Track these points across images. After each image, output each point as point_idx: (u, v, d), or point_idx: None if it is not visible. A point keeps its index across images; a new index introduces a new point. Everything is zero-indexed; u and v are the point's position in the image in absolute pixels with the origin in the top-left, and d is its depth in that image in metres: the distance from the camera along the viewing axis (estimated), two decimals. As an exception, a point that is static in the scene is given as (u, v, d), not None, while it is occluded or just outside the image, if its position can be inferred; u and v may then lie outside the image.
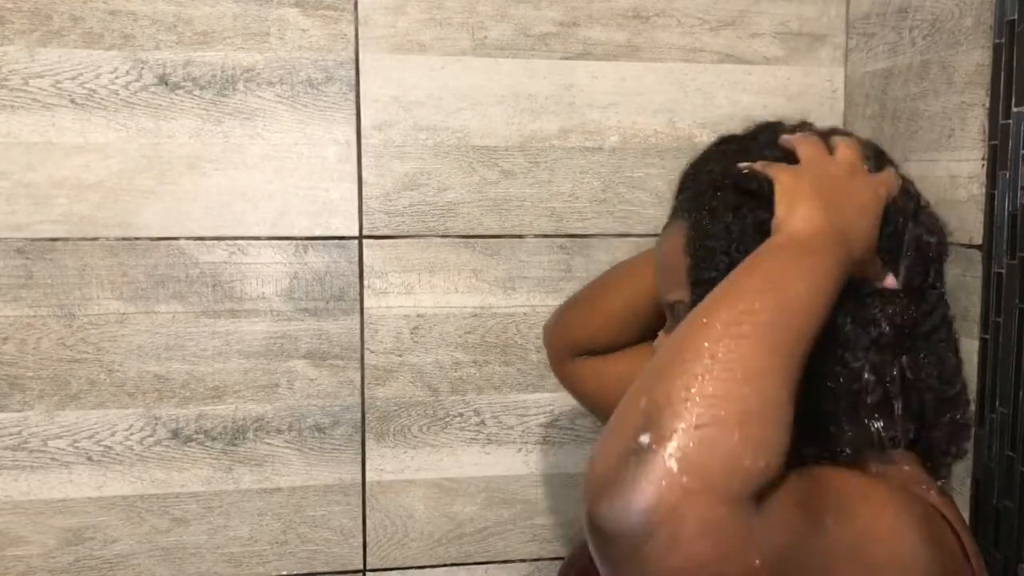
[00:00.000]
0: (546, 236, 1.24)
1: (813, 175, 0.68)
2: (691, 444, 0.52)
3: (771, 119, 0.84)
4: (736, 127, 1.25)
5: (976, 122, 1.00)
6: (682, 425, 0.52)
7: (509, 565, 1.27)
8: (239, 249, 1.18)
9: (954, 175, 1.03)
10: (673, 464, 0.51)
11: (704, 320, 0.57)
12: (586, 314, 0.98)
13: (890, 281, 0.71)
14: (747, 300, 0.58)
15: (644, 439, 0.52)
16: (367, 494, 1.23)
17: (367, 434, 1.22)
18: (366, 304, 1.21)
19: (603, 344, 0.96)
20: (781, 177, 0.68)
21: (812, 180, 0.68)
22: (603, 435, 0.55)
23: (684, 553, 0.50)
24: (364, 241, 1.20)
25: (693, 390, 0.53)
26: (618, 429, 0.54)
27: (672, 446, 0.51)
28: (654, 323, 0.90)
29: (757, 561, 0.51)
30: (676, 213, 0.78)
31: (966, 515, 0.97)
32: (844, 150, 0.72)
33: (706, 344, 0.55)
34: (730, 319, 0.57)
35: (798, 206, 0.66)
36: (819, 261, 0.62)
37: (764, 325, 0.57)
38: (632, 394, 0.56)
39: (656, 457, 0.51)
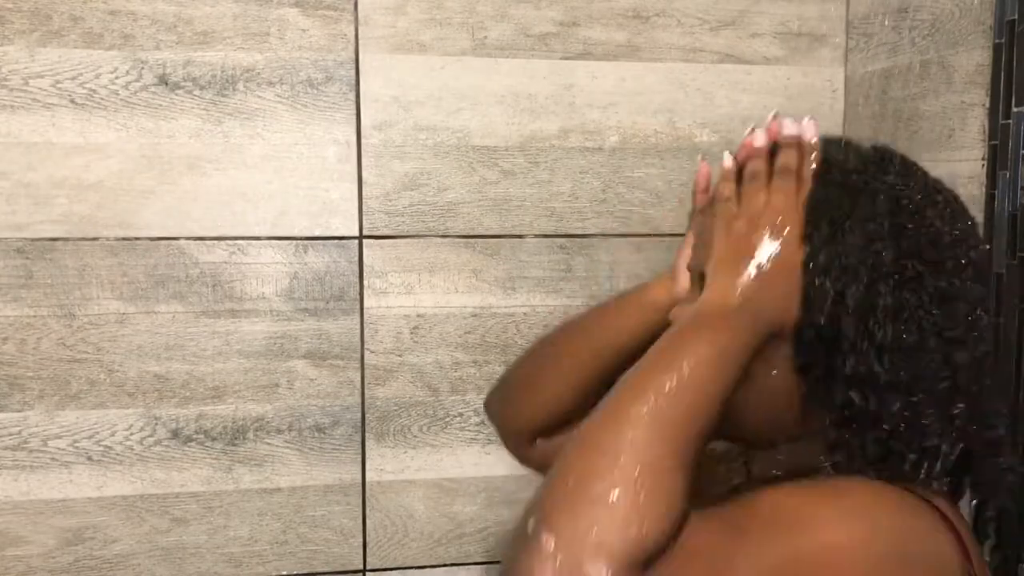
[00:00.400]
0: (546, 236, 1.24)
1: (743, 232, 0.68)
2: (566, 525, 0.56)
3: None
4: (736, 127, 1.26)
5: (976, 122, 1.00)
6: (560, 506, 0.57)
7: (509, 565, 1.27)
8: (239, 249, 1.18)
9: (954, 175, 1.03)
10: (550, 548, 0.55)
11: (611, 399, 0.62)
12: (531, 402, 0.95)
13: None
14: (648, 378, 0.62)
15: (530, 525, 0.57)
16: (367, 494, 1.23)
17: (367, 434, 1.22)
18: (366, 304, 1.21)
19: (559, 422, 0.92)
20: (719, 231, 0.69)
21: (738, 240, 0.67)
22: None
23: None
24: (364, 241, 1.20)
25: (574, 473, 0.59)
26: (522, 515, 0.59)
27: (551, 528, 0.56)
28: (610, 379, 0.87)
29: None
30: None
31: (966, 515, 0.97)
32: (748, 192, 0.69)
33: (604, 425, 0.60)
34: (630, 402, 0.61)
35: (720, 274, 0.67)
36: (719, 338, 0.64)
37: (658, 406, 0.60)
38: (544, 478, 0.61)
39: (536, 542, 0.56)
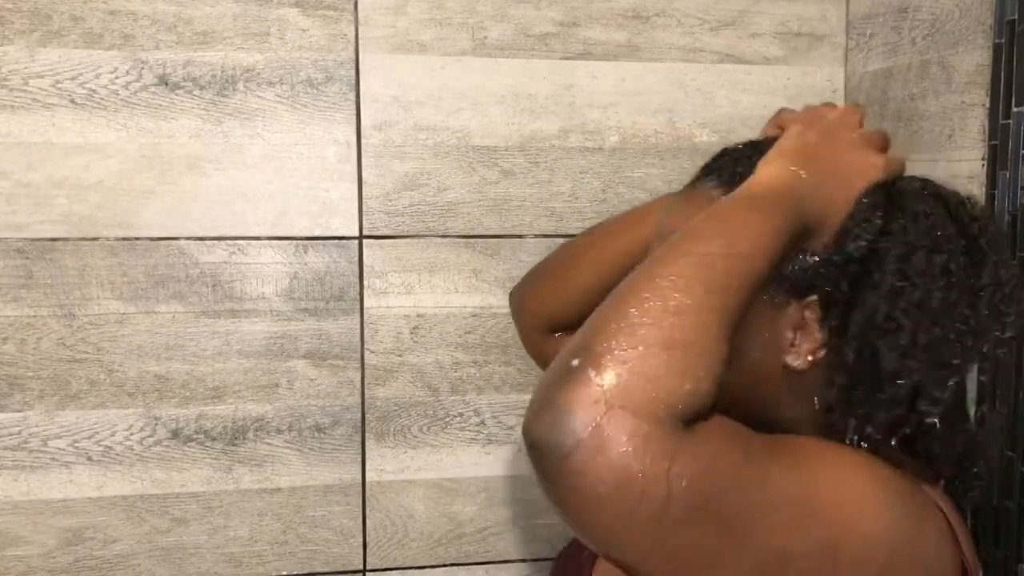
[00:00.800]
0: (546, 236, 1.24)
1: (802, 137, 0.70)
2: (616, 364, 0.54)
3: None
4: (736, 127, 1.26)
5: (976, 122, 1.00)
6: (610, 347, 0.55)
7: (509, 565, 1.27)
8: (239, 249, 1.18)
9: (954, 175, 1.03)
10: (599, 382, 0.53)
11: (652, 260, 0.61)
12: (558, 292, 0.95)
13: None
14: (692, 243, 0.61)
15: (575, 361, 0.55)
16: (367, 494, 1.23)
17: (367, 434, 1.22)
18: (366, 304, 1.21)
19: (583, 316, 0.94)
20: (783, 136, 0.71)
21: (799, 140, 0.69)
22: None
23: (605, 466, 0.52)
24: (364, 241, 1.20)
25: (624, 320, 0.56)
26: (559, 357, 0.57)
27: (599, 366, 0.54)
28: None
29: (683, 483, 0.53)
30: (708, 181, 0.76)
31: (966, 514, 0.97)
32: (846, 116, 0.72)
33: (648, 280, 0.59)
34: (673, 260, 0.60)
35: (771, 162, 0.68)
36: (766, 218, 0.64)
37: (702, 266, 0.59)
38: (580, 328, 0.59)
39: (583, 375, 0.54)
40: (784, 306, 0.68)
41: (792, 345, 0.69)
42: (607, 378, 0.53)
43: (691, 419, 0.55)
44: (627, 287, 0.59)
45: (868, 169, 0.70)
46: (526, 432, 0.55)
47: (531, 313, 0.98)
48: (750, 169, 0.70)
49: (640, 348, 0.55)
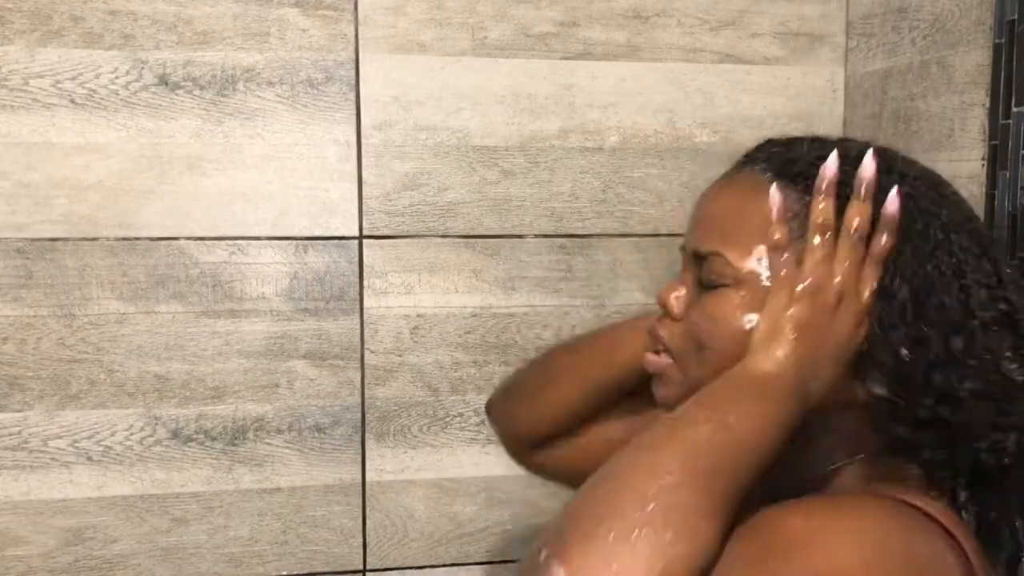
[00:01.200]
0: (546, 236, 1.24)
1: (805, 305, 0.66)
2: (581, 560, 0.54)
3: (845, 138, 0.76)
4: (736, 127, 1.26)
5: (976, 122, 1.00)
6: (577, 538, 0.55)
7: (509, 565, 1.27)
8: (239, 249, 1.18)
9: (954, 175, 1.03)
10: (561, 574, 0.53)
11: (636, 443, 0.61)
12: (540, 409, 0.93)
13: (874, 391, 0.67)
14: (674, 427, 0.61)
15: (544, 554, 0.55)
16: (367, 494, 1.23)
17: (367, 434, 1.22)
18: (366, 304, 1.21)
19: (567, 429, 0.91)
20: (777, 292, 0.67)
21: (799, 314, 0.65)
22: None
23: None
24: (364, 241, 1.20)
25: (594, 508, 0.57)
26: (532, 546, 0.57)
27: (566, 559, 0.54)
28: (628, 389, 0.89)
29: None
30: (755, 166, 0.73)
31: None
32: (844, 255, 0.66)
33: (626, 466, 0.59)
34: (659, 444, 0.60)
35: (775, 345, 0.65)
36: (773, 408, 0.63)
37: (690, 452, 0.59)
38: (559, 513, 0.59)
39: (548, 571, 0.54)
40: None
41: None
42: (571, 573, 0.53)
43: None
44: (603, 472, 0.59)
45: (858, 321, 0.66)
46: None
47: (509, 429, 0.97)
48: (806, 164, 0.69)
49: (609, 538, 0.54)
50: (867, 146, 0.69)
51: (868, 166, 0.66)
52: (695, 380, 0.70)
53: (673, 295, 0.75)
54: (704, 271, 0.72)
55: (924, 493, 0.67)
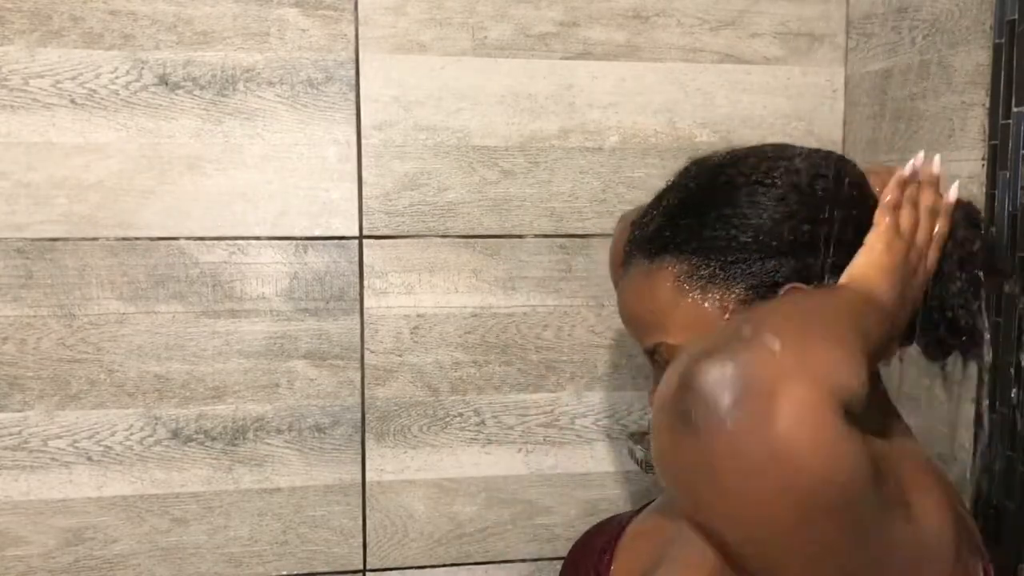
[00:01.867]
0: (546, 236, 1.24)
1: (903, 247, 0.70)
2: (796, 340, 0.53)
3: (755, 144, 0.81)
4: (736, 127, 1.26)
5: (976, 122, 1.00)
6: (788, 325, 0.55)
7: (509, 565, 1.27)
8: (239, 249, 1.18)
9: (954, 175, 1.03)
10: (776, 349, 0.51)
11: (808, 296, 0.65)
12: None
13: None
14: (838, 299, 0.64)
15: (746, 329, 0.53)
16: (367, 494, 1.23)
17: (367, 434, 1.22)
18: (366, 304, 1.21)
19: None
20: (883, 231, 0.70)
21: (901, 253, 0.70)
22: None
23: (773, 434, 0.49)
24: (364, 241, 1.20)
25: (796, 316, 0.58)
26: (721, 329, 0.59)
27: (779, 335, 0.52)
28: None
29: (842, 475, 0.50)
30: (653, 251, 0.76)
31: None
32: (927, 223, 0.73)
33: (806, 306, 0.62)
34: (824, 300, 0.63)
35: (883, 278, 0.69)
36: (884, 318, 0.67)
37: (856, 314, 0.62)
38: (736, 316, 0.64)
39: (760, 339, 0.52)
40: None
41: None
42: (786, 350, 0.52)
43: (851, 413, 0.53)
44: (786, 304, 0.63)
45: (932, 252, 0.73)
46: (691, 376, 0.52)
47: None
48: (662, 232, 0.75)
49: (817, 336, 0.55)
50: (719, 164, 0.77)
51: (936, 163, 0.76)
52: None
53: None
54: (661, 361, 0.76)
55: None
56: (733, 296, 0.70)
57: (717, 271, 0.72)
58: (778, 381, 0.50)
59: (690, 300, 0.72)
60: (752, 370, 0.51)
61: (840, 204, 0.72)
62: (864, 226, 0.72)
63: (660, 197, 0.79)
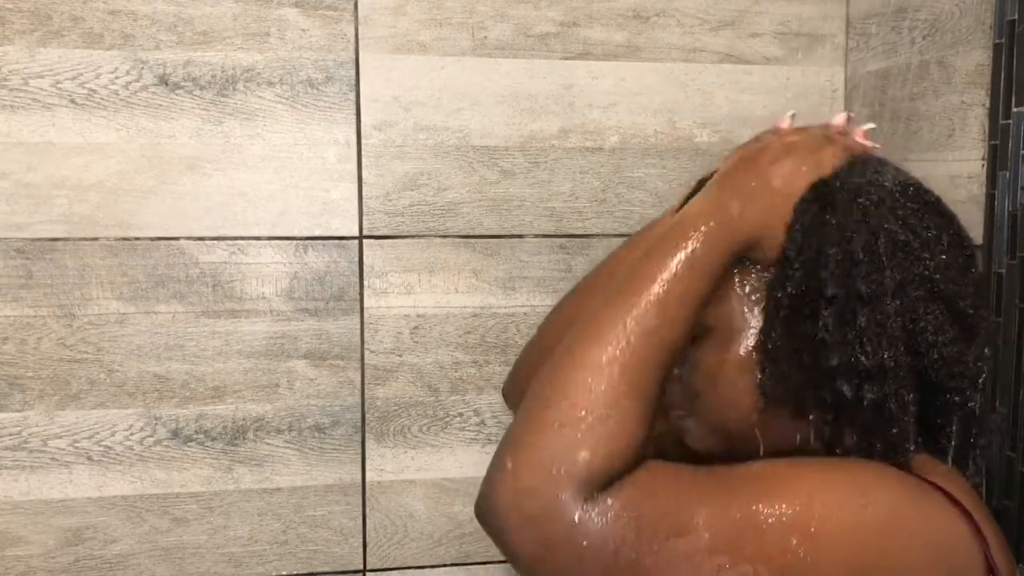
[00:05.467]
0: (546, 236, 1.24)
1: (732, 159, 0.72)
2: (523, 450, 0.62)
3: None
4: (736, 127, 1.26)
5: (976, 122, 1.00)
6: (519, 434, 0.63)
7: (509, 565, 1.27)
8: (239, 249, 1.18)
9: (954, 175, 1.03)
10: (510, 467, 0.61)
11: (566, 338, 0.66)
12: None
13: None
14: (600, 319, 0.65)
15: (498, 452, 0.64)
16: (367, 494, 1.23)
17: (367, 434, 1.22)
18: (366, 304, 1.21)
19: None
20: (735, 153, 0.73)
21: (728, 164, 0.71)
22: None
23: (529, 538, 0.60)
24: (364, 241, 1.20)
25: (533, 405, 0.64)
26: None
27: (511, 453, 0.62)
28: None
29: (584, 543, 0.59)
30: None
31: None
32: (781, 125, 0.75)
33: (554, 362, 0.65)
34: (579, 337, 0.65)
35: (711, 186, 0.70)
36: (684, 243, 0.66)
37: (609, 347, 0.63)
38: None
39: (500, 464, 0.62)
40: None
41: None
42: (516, 464, 0.61)
43: (606, 481, 0.60)
44: (544, 369, 0.65)
45: (802, 173, 0.69)
46: (476, 513, 0.65)
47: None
48: None
49: (541, 432, 0.61)
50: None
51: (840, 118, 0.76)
52: (710, 425, 0.73)
53: None
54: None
55: (936, 472, 0.68)
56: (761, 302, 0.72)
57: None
58: (517, 501, 0.60)
59: (729, 284, 0.73)
60: (499, 501, 0.62)
61: None
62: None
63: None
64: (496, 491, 0.62)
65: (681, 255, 0.65)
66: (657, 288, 0.65)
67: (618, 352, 0.62)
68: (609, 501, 0.59)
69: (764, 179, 0.69)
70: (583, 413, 0.61)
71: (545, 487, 0.60)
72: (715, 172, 0.74)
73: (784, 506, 0.60)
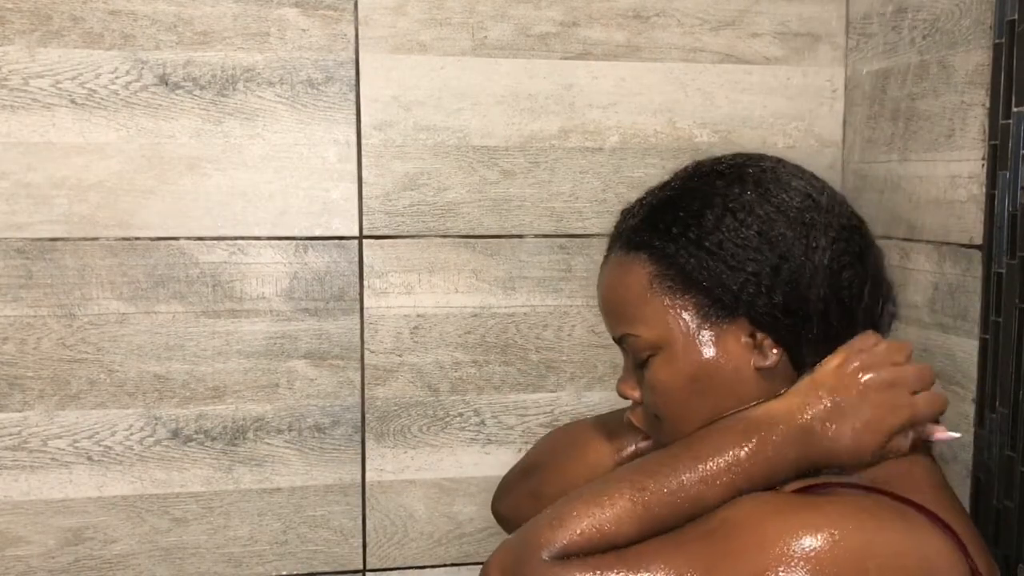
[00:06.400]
0: (546, 236, 1.24)
1: (840, 367, 0.72)
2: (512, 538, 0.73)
3: (747, 152, 0.85)
4: (736, 127, 1.26)
5: (976, 122, 1.00)
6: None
7: (509, 565, 1.27)
8: (239, 249, 1.18)
9: (954, 175, 1.03)
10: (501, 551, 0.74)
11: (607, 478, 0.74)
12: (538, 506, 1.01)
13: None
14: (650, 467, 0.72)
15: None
16: (367, 494, 1.23)
17: (367, 434, 1.22)
18: (366, 304, 1.21)
19: None
20: (823, 363, 0.74)
21: (836, 369, 0.72)
22: None
23: None
24: (364, 241, 1.20)
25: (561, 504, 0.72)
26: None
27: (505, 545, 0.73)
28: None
29: None
30: (631, 245, 0.80)
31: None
32: (891, 351, 0.73)
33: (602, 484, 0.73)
34: (617, 480, 0.72)
35: (798, 391, 0.72)
36: (759, 445, 0.69)
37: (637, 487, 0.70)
38: None
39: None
40: (728, 326, 0.75)
41: (755, 349, 0.75)
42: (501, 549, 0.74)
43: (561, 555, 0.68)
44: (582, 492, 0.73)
45: (901, 412, 0.71)
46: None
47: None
48: (640, 230, 0.81)
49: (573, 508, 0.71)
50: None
51: (945, 436, 0.75)
52: (677, 429, 0.78)
53: (623, 384, 0.83)
54: (630, 352, 0.80)
55: (920, 482, 0.69)
56: (690, 308, 0.74)
57: (678, 283, 0.75)
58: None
59: (658, 301, 0.74)
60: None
61: (824, 268, 0.74)
62: (844, 302, 0.75)
63: (650, 192, 0.81)
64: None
65: (749, 457, 0.70)
66: (704, 475, 0.71)
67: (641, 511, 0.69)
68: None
69: (868, 402, 0.72)
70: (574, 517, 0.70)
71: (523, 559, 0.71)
72: None
73: (745, 557, 0.63)
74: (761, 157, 0.81)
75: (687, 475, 0.67)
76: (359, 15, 1.18)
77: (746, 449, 0.68)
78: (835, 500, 0.66)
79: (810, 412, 0.69)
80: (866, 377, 0.70)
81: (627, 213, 0.83)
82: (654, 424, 0.80)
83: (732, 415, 0.72)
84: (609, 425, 0.95)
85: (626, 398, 0.83)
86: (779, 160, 0.80)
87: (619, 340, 0.81)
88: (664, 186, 0.82)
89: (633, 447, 0.90)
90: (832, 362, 0.72)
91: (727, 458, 0.67)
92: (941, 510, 0.67)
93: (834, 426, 0.68)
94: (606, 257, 0.83)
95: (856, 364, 0.71)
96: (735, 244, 0.73)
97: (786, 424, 0.68)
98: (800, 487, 0.70)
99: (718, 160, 0.81)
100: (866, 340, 0.73)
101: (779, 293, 0.73)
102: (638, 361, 0.79)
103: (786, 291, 0.73)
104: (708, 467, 0.67)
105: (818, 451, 0.69)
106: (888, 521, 0.64)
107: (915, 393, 0.71)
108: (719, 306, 0.74)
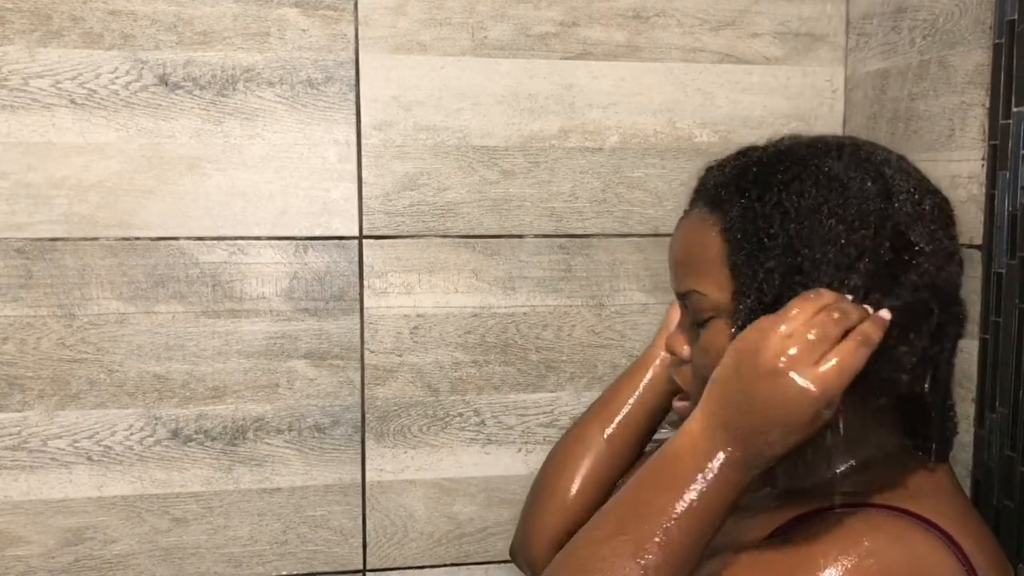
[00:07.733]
0: (546, 236, 1.24)
1: (732, 375, 0.67)
2: None
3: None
4: (736, 127, 1.26)
5: (976, 122, 1.00)
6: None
7: (509, 565, 1.27)
8: (239, 249, 1.18)
9: (954, 175, 1.03)
10: None
11: (594, 520, 0.72)
12: (555, 512, 1.00)
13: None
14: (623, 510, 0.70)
15: None
16: (367, 494, 1.23)
17: (367, 434, 1.22)
18: (366, 304, 1.21)
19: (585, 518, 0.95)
20: (709, 384, 0.70)
21: (726, 383, 0.67)
22: None
23: None
24: (364, 241, 1.20)
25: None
26: None
27: None
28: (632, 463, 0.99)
29: None
30: (715, 203, 0.76)
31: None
32: (791, 325, 0.65)
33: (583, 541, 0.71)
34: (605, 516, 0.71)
35: (700, 409, 0.69)
36: (704, 471, 0.66)
37: (632, 540, 0.67)
38: None
39: None
40: None
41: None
42: None
43: None
44: (569, 547, 0.73)
45: (799, 400, 0.64)
46: None
47: (538, 545, 1.02)
48: (726, 186, 0.75)
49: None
50: (797, 141, 0.77)
51: (884, 315, 0.67)
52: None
53: (675, 339, 0.80)
54: (690, 310, 0.77)
55: (932, 495, 0.68)
56: (759, 280, 0.70)
57: (753, 252, 0.71)
58: None
59: (730, 265, 0.72)
60: None
61: (895, 242, 0.70)
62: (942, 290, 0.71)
63: (744, 152, 0.78)
64: None
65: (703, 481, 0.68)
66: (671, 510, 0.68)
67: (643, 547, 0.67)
68: None
69: (773, 407, 0.68)
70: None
71: None
72: None
73: None
74: (865, 141, 0.78)
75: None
76: (359, 15, 1.18)
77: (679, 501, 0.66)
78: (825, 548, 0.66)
79: (720, 429, 0.66)
80: (749, 385, 0.66)
81: (714, 170, 0.78)
82: (700, 387, 0.73)
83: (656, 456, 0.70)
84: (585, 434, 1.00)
85: (673, 354, 0.80)
86: (878, 146, 0.78)
87: (682, 295, 0.77)
88: (757, 148, 0.78)
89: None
90: (713, 390, 0.69)
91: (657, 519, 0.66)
92: (944, 520, 0.67)
93: (756, 434, 0.65)
94: (686, 212, 0.79)
95: (735, 379, 0.67)
96: (825, 216, 0.68)
97: (701, 449, 0.67)
98: (796, 515, 0.71)
99: (819, 136, 0.78)
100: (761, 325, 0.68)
101: (866, 276, 0.68)
102: (698, 320, 0.75)
103: (876, 275, 0.68)
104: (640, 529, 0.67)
105: (761, 461, 0.65)
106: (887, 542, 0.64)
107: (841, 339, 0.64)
108: (796, 279, 0.69)
